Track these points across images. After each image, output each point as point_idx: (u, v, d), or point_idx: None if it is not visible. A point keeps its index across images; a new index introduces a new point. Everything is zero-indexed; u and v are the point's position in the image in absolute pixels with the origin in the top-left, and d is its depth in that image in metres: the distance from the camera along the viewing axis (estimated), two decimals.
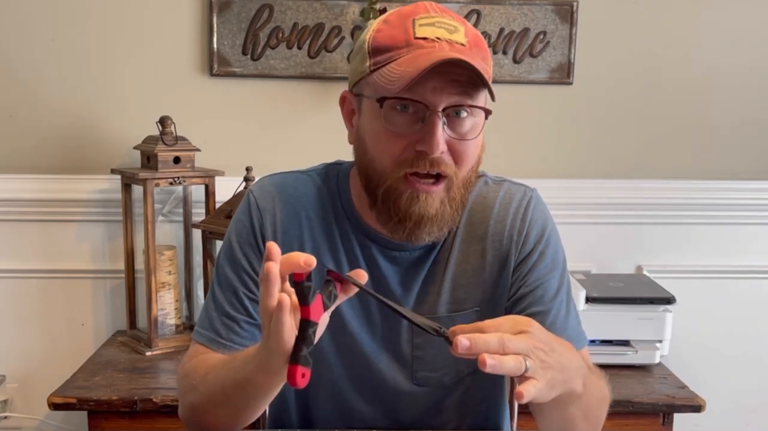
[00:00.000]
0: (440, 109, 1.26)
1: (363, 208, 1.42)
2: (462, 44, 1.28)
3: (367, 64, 1.30)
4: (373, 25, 1.34)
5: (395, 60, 1.26)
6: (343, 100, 1.42)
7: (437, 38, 1.27)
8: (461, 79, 1.25)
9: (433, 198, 1.30)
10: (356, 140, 1.38)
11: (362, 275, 1.08)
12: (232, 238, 1.44)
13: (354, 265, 1.41)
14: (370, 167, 1.34)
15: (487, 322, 1.07)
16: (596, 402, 1.30)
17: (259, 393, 1.20)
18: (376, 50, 1.29)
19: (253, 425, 1.49)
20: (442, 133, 1.26)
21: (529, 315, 1.37)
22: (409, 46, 1.27)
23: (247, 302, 1.40)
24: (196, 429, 1.37)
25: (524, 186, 1.50)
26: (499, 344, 1.02)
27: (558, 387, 1.11)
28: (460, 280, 1.44)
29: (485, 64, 1.30)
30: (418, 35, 1.27)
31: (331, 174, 1.48)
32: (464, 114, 1.28)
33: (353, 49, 1.42)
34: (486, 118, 1.31)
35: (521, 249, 1.43)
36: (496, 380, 1.50)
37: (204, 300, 1.52)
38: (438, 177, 1.30)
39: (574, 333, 1.42)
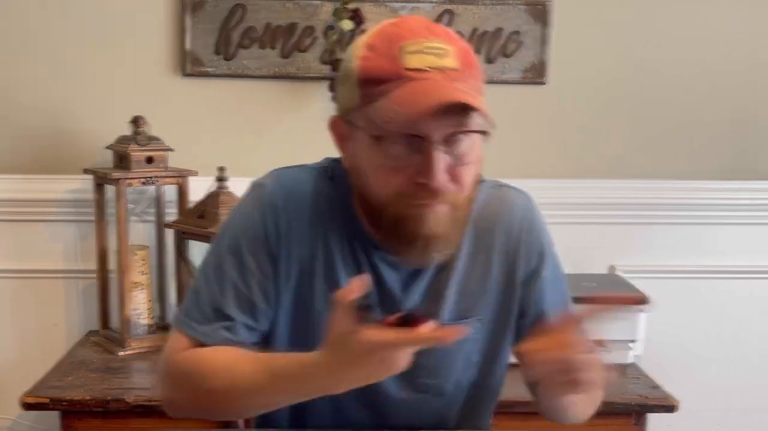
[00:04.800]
0: (437, 140, 1.23)
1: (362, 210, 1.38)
2: (455, 69, 1.24)
3: (357, 95, 1.25)
4: (358, 51, 1.27)
5: (387, 95, 1.22)
6: (333, 126, 1.36)
7: (428, 68, 1.23)
8: (458, 109, 1.22)
9: (439, 217, 1.27)
10: (352, 166, 1.34)
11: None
12: (239, 234, 1.38)
13: (354, 269, 1.39)
14: (370, 194, 1.31)
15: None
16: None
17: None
18: (364, 82, 1.24)
19: (246, 423, 1.48)
20: (442, 164, 1.24)
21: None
22: (399, 79, 1.22)
23: (245, 304, 1.37)
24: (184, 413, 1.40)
25: (523, 193, 1.51)
26: None
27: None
28: (465, 288, 1.42)
29: (478, 82, 1.28)
30: (407, 66, 1.22)
31: (335, 172, 1.43)
32: (461, 138, 1.26)
33: (339, 73, 1.35)
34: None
35: (528, 263, 1.47)
36: (498, 391, 1.51)
37: (192, 286, 1.45)
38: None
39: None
